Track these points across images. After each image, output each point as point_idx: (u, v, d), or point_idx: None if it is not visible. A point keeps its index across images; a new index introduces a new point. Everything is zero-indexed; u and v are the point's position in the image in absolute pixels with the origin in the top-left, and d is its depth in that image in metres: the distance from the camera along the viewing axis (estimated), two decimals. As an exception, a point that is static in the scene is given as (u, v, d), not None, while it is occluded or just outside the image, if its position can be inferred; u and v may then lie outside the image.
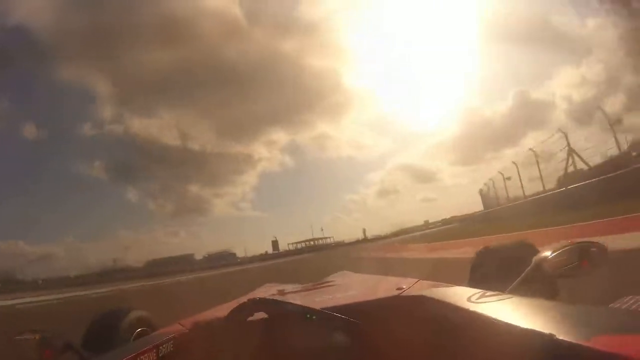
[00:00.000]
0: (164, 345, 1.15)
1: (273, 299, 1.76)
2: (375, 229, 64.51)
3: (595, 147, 14.48)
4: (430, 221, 59.76)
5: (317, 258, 26.82)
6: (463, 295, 1.02)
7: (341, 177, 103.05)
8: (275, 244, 64.40)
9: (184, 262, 53.85)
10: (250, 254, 60.76)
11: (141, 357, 1.02)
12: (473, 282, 1.74)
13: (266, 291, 2.37)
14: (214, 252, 60.48)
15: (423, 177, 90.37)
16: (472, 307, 0.91)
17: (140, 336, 1.73)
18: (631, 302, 1.52)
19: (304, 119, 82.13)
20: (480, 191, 25.41)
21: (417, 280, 1.47)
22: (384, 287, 1.72)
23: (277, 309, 1.27)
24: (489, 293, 1.00)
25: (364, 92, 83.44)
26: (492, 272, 1.59)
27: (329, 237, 65.36)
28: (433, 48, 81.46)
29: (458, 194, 72.70)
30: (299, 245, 64.76)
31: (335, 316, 1.15)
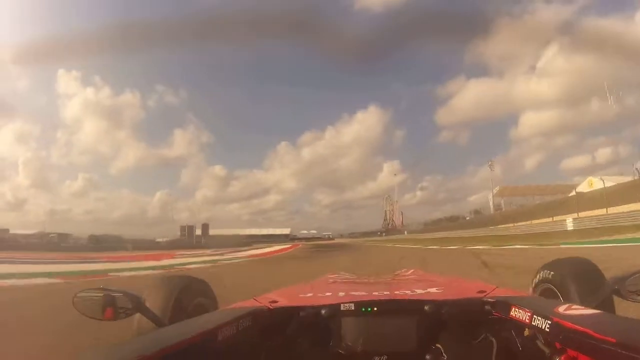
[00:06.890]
0: (243, 320, 1.15)
1: (348, 285, 1.78)
2: None
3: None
4: None
5: None
6: (549, 306, 1.03)
7: None
8: None
9: None
10: None
11: (221, 330, 1.03)
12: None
13: (335, 279, 2.34)
14: None
15: None
16: (563, 318, 0.91)
17: (199, 306, 1.69)
18: None
19: None
20: None
21: (495, 286, 1.47)
22: (462, 288, 1.70)
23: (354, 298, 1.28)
24: (575, 306, 1.00)
25: None
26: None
27: None
28: None
29: None
30: None
31: (421, 311, 1.18)
